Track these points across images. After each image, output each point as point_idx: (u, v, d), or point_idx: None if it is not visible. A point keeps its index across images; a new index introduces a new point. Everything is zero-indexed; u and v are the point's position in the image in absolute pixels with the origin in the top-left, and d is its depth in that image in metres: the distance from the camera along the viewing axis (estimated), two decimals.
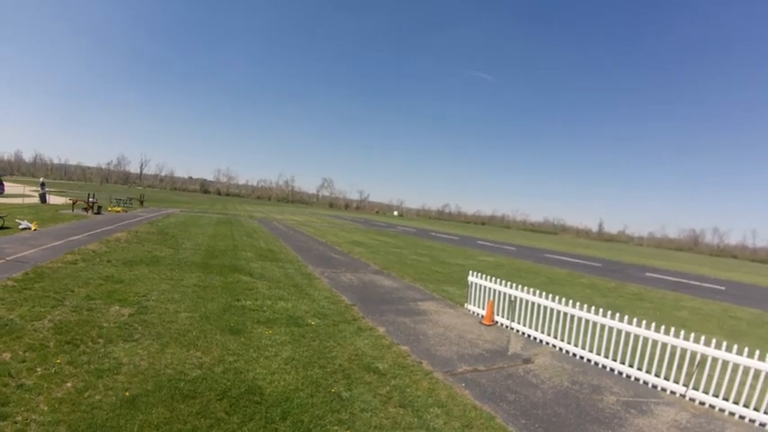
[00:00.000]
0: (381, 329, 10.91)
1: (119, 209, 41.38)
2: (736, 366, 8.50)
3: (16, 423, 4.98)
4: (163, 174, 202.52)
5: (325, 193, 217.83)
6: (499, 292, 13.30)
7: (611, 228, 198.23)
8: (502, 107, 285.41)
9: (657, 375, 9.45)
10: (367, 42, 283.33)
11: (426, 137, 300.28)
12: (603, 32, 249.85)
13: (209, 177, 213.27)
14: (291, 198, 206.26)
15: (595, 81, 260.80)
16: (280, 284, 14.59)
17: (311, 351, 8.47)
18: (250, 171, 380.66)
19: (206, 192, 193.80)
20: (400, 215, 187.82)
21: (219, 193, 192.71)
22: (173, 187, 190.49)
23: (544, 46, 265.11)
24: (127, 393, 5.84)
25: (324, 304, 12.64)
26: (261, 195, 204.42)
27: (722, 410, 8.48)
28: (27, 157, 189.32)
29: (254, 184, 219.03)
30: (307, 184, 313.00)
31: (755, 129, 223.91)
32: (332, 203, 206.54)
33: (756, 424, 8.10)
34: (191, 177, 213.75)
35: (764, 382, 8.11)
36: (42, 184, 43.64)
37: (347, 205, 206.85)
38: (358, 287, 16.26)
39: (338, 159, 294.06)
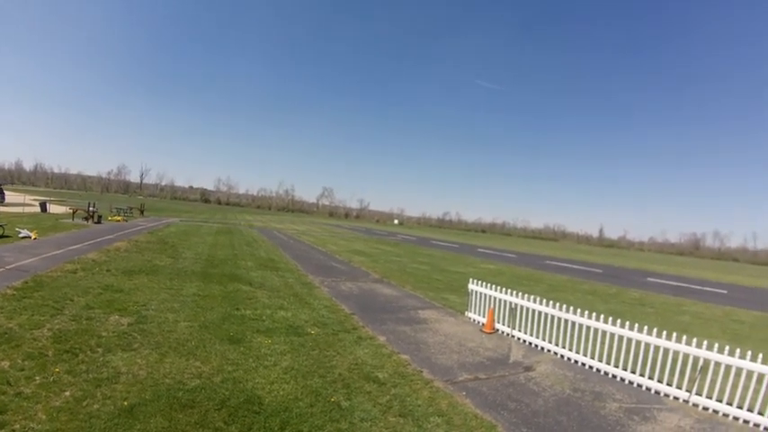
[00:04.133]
0: (381, 338, 10.87)
1: (119, 218, 41.46)
2: (739, 370, 8.46)
3: (14, 431, 4.96)
4: (163, 183, 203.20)
5: (325, 202, 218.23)
6: (500, 300, 13.26)
7: (612, 233, 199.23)
8: (503, 114, 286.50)
9: (660, 381, 9.42)
10: (368, 49, 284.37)
11: (427, 145, 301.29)
12: (604, 37, 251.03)
13: (210, 187, 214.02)
14: (291, 207, 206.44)
15: (596, 86, 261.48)
16: (279, 294, 14.56)
17: (311, 360, 8.43)
18: (250, 180, 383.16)
19: (206, 201, 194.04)
20: (400, 223, 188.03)
21: (220, 203, 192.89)
22: (173, 196, 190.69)
23: (547, 52, 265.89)
24: (125, 403, 5.81)
25: (324, 313, 12.60)
26: (261, 205, 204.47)
27: (726, 415, 8.43)
28: (28, 166, 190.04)
29: (254, 193, 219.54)
30: (307, 193, 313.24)
31: (755, 132, 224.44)
32: (332, 212, 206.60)
33: (761, 428, 8.06)
34: (191, 187, 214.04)
35: None
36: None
37: (347, 214, 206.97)
38: (358, 296, 16.23)
39: (338, 168, 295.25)
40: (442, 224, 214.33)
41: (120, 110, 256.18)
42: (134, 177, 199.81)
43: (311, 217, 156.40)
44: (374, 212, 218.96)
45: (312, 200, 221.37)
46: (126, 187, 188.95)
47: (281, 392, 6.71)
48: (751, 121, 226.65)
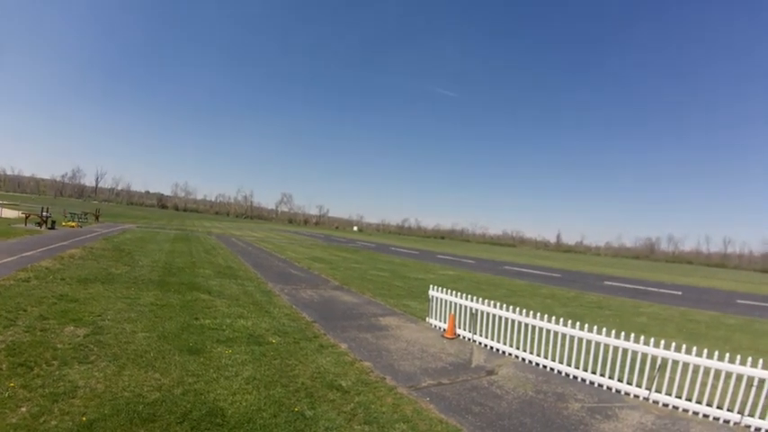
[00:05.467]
0: (343, 346, 10.86)
1: (73, 224, 40.44)
2: (696, 367, 8.86)
3: None
4: (119, 188, 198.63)
5: (285, 208, 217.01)
6: (460, 306, 13.40)
7: (569, 239, 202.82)
8: (461, 123, 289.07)
9: (621, 380, 9.72)
10: (328, 58, 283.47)
11: (386, 152, 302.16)
12: (561, 50, 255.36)
13: (167, 192, 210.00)
14: (250, 213, 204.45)
15: (552, 98, 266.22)
16: (239, 302, 14.39)
17: (273, 370, 8.35)
18: (208, 186, 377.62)
19: (163, 207, 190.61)
20: (360, 230, 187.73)
21: (177, 209, 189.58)
22: (129, 202, 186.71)
23: (506, 64, 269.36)
24: (84, 418, 5.67)
25: (284, 322, 12.52)
26: (219, 211, 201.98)
27: (686, 411, 8.80)
28: None
29: (213, 199, 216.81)
30: (266, 199, 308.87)
31: (706, 140, 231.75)
32: (291, 219, 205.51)
33: (720, 421, 8.45)
34: (148, 192, 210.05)
35: (725, 381, 8.49)
36: None
37: (306, 221, 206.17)
38: (318, 303, 16.18)
39: (298, 175, 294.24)
40: (402, 231, 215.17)
41: (75, 111, 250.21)
42: (89, 181, 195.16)
43: (270, 224, 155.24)
44: (334, 219, 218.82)
45: (271, 206, 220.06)
46: (81, 191, 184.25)
47: (244, 403, 6.64)
48: (702, 130, 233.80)
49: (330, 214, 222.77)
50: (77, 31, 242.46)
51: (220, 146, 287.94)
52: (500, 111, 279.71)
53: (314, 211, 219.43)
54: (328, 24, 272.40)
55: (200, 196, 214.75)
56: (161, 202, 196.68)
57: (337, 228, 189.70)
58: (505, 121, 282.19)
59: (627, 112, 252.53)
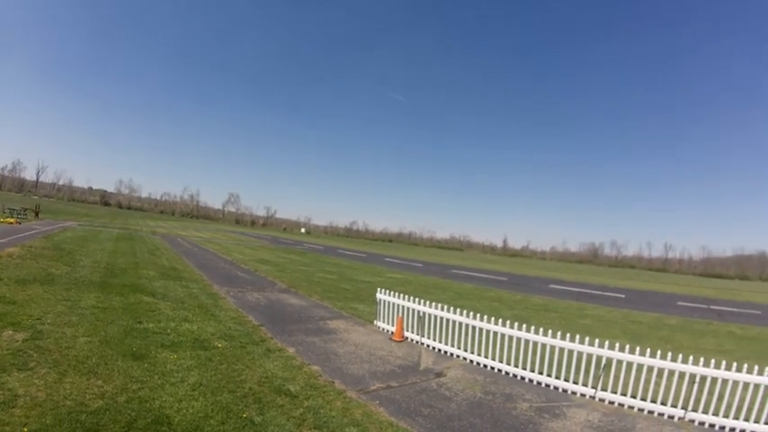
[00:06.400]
0: (291, 350, 10.81)
1: (11, 220, 38.77)
2: (640, 366, 9.28)
3: None
4: (61, 182, 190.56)
5: (232, 208, 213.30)
6: (408, 309, 13.52)
7: (516, 243, 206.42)
8: (411, 127, 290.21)
9: (567, 380, 10.01)
10: (277, 57, 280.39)
11: (334, 154, 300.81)
12: (511, 52, 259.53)
13: (111, 189, 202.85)
14: (196, 213, 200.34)
15: (497, 104, 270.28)
16: (184, 305, 14.14)
17: (219, 375, 8.25)
18: (153, 184, 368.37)
19: (106, 204, 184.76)
20: (308, 232, 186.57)
21: (121, 206, 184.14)
22: (71, 198, 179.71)
23: (456, 69, 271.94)
24: (25, 429, 5.47)
25: (230, 325, 12.36)
26: (164, 210, 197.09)
27: (632, 407, 9.22)
28: None
29: (158, 197, 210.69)
30: (212, 198, 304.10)
31: (649, 148, 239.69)
32: (238, 220, 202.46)
33: (665, 417, 8.91)
34: (91, 188, 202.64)
35: (668, 378, 8.94)
36: None
37: (254, 222, 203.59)
38: (265, 306, 16.06)
39: (246, 174, 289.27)
40: (350, 233, 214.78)
41: (15, 101, 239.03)
42: (29, 175, 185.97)
43: (216, 224, 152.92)
44: (281, 220, 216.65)
45: (218, 206, 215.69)
46: (20, 186, 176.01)
47: (191, 410, 6.55)
48: (643, 139, 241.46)
49: (278, 215, 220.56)
50: (23, 20, 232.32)
51: (166, 142, 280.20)
52: (447, 116, 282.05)
53: (261, 212, 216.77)
54: (280, 23, 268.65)
55: (144, 194, 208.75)
56: (104, 199, 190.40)
57: (285, 229, 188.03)
58: (452, 126, 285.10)
59: (570, 118, 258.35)
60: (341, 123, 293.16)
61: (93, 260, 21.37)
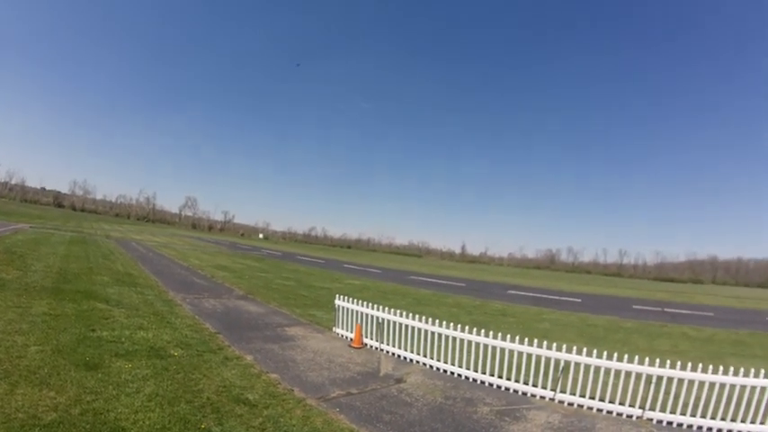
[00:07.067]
0: (249, 358, 10.73)
1: None
2: (597, 368, 9.58)
3: None
4: (13, 182, 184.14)
5: (189, 213, 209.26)
6: (367, 315, 13.57)
7: (474, 250, 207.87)
8: (371, 134, 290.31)
9: (527, 383, 10.26)
10: (239, 61, 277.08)
11: (293, 159, 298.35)
12: (472, 65, 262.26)
13: (64, 190, 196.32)
14: (152, 217, 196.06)
15: (456, 114, 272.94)
16: (139, 312, 13.87)
17: (176, 385, 8.12)
18: (109, 185, 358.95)
19: (60, 206, 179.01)
20: (266, 238, 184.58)
21: (74, 208, 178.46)
22: (23, 198, 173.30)
23: (421, 78, 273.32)
24: None
25: (187, 333, 12.19)
26: (119, 213, 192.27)
27: (591, 408, 9.54)
28: None
29: (113, 200, 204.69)
30: (169, 202, 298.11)
31: (603, 157, 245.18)
32: (195, 224, 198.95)
33: (624, 416, 9.24)
34: (44, 188, 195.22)
35: (625, 379, 9.30)
36: None
37: (211, 227, 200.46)
38: (222, 313, 15.89)
39: (203, 178, 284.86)
40: (308, 239, 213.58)
41: None
42: None
43: (173, 228, 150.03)
44: (239, 226, 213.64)
45: (175, 210, 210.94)
46: None
47: (147, 422, 6.43)
48: (596, 147, 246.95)
49: (236, 220, 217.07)
50: None
51: (123, 142, 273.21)
52: (408, 124, 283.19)
53: (219, 217, 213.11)
54: (242, 28, 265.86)
55: (99, 196, 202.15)
56: (57, 201, 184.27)
57: (243, 235, 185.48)
58: (413, 134, 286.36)
59: (526, 126, 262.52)
60: (301, 129, 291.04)
61: (46, 264, 20.81)
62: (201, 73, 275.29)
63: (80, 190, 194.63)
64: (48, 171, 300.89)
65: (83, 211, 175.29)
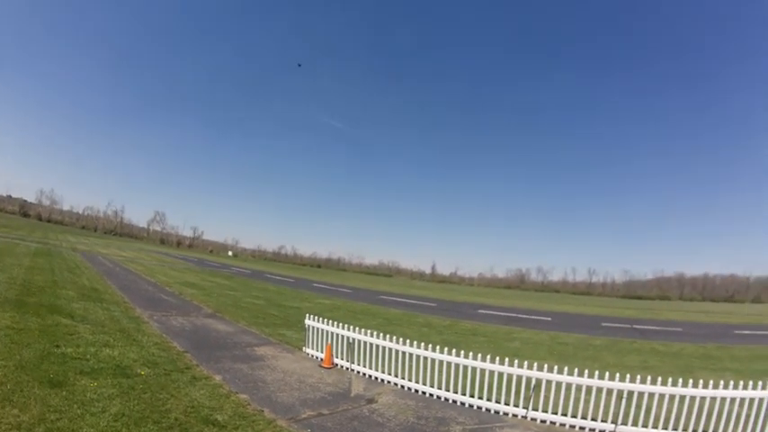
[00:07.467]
0: (218, 378, 10.57)
1: None
2: (569, 385, 9.69)
3: None
4: None
5: (157, 227, 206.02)
6: (337, 335, 13.50)
7: (444, 269, 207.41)
8: (343, 153, 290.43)
9: (499, 402, 10.30)
10: (214, 76, 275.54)
11: (264, 177, 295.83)
12: (436, 84, 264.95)
13: (31, 199, 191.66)
14: (120, 231, 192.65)
15: (426, 134, 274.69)
16: (105, 329, 13.59)
17: (143, 405, 7.94)
18: (76, 196, 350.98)
19: (26, 215, 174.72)
20: (235, 255, 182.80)
21: (41, 219, 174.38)
22: None
23: (392, 99, 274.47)
24: None
25: (154, 351, 11.97)
26: (86, 225, 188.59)
27: (563, 425, 9.64)
28: None
29: (80, 211, 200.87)
30: (137, 216, 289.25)
31: (571, 177, 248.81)
32: (163, 239, 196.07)
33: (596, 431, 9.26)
34: (10, 196, 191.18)
35: (596, 395, 9.40)
36: None
37: (179, 242, 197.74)
38: (190, 332, 15.67)
39: (173, 192, 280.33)
40: (278, 258, 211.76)
41: None
42: None
43: (141, 243, 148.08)
44: (208, 242, 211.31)
45: (143, 224, 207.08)
46: None
47: None
48: (566, 168, 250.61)
49: (205, 237, 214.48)
50: None
51: (92, 152, 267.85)
52: (378, 144, 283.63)
53: (188, 233, 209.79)
54: (213, 43, 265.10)
55: (66, 207, 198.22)
56: (23, 210, 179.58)
57: (211, 251, 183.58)
58: (383, 154, 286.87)
59: (491, 149, 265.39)
60: (271, 145, 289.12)
61: (9, 276, 20.39)
62: (173, 85, 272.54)
63: (47, 200, 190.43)
64: (14, 178, 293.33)
65: (49, 221, 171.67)
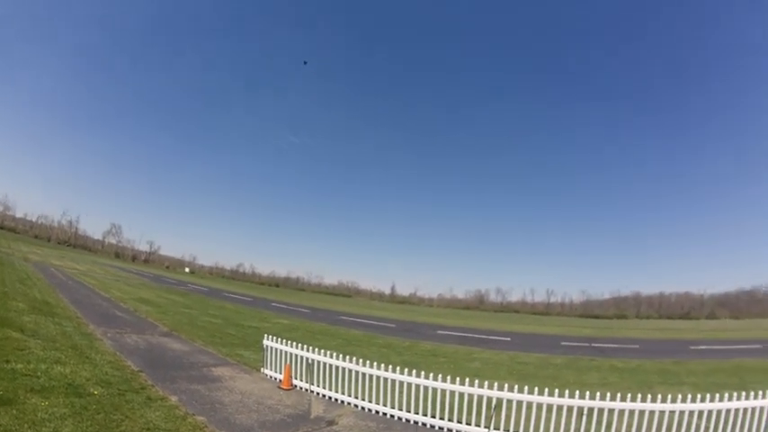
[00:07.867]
0: (174, 399, 10.32)
1: None
2: (530, 404, 9.81)
3: None
4: None
5: (113, 240, 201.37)
6: (296, 356, 13.39)
7: (404, 290, 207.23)
8: (299, 170, 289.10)
9: (460, 422, 10.34)
10: (175, 89, 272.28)
11: (222, 193, 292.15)
12: (402, 107, 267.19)
13: None
14: (74, 242, 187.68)
15: (384, 156, 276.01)
16: (56, 345, 13.18)
17: (96, 426, 7.69)
18: (30, 204, 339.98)
19: None
20: (192, 272, 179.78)
21: None
22: None
23: (354, 117, 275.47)
24: None
25: (107, 370, 11.63)
26: (39, 234, 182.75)
27: None
28: None
29: (34, 219, 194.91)
30: (92, 227, 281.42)
31: (527, 202, 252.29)
32: (118, 253, 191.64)
33: None
34: None
35: (557, 413, 9.59)
36: None
37: (135, 257, 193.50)
38: (145, 350, 15.34)
39: (130, 204, 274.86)
40: (236, 276, 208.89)
41: None
42: None
43: (95, 256, 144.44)
44: (165, 257, 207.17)
45: (98, 236, 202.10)
46: None
47: None
48: (520, 190, 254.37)
49: (162, 252, 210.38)
50: None
51: (47, 159, 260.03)
52: (338, 163, 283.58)
53: (144, 247, 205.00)
54: (178, 55, 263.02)
55: (20, 214, 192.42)
56: None
57: (168, 267, 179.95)
58: (342, 173, 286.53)
59: (455, 170, 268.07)
60: (233, 162, 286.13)
61: None
62: (135, 96, 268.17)
63: (0, 205, 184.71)
64: None
65: (2, 228, 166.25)
